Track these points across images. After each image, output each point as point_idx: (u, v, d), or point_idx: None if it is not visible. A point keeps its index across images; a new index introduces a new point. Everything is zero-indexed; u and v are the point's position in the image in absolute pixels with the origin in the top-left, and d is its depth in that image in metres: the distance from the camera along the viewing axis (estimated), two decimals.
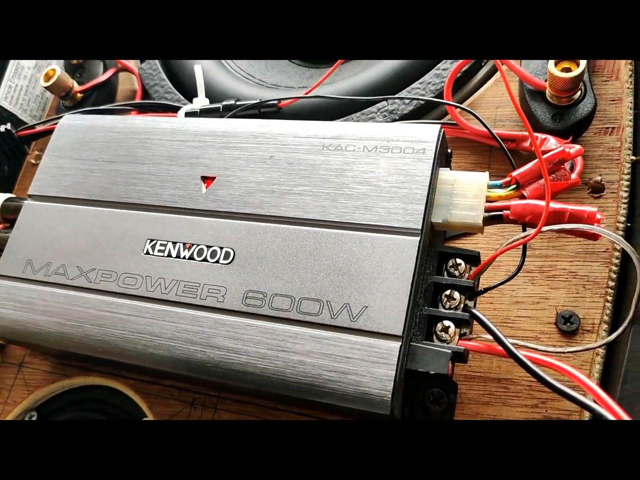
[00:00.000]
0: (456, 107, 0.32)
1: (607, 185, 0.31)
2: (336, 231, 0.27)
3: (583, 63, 0.30)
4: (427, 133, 0.28)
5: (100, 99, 0.43)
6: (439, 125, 0.28)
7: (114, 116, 0.35)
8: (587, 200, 0.31)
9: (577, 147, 0.28)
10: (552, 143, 0.31)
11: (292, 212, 0.28)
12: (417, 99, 0.35)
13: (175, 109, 0.39)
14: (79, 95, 0.43)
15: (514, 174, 0.27)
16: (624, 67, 0.33)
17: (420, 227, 0.26)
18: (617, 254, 0.30)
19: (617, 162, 0.31)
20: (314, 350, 0.25)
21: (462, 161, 0.34)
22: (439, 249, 0.27)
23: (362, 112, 0.37)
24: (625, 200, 0.31)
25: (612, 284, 0.29)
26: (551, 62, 0.30)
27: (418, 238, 0.26)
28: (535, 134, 0.31)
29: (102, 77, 0.43)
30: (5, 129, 0.38)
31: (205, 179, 0.31)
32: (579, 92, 0.31)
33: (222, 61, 0.44)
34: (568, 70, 0.30)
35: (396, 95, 0.36)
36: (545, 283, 0.30)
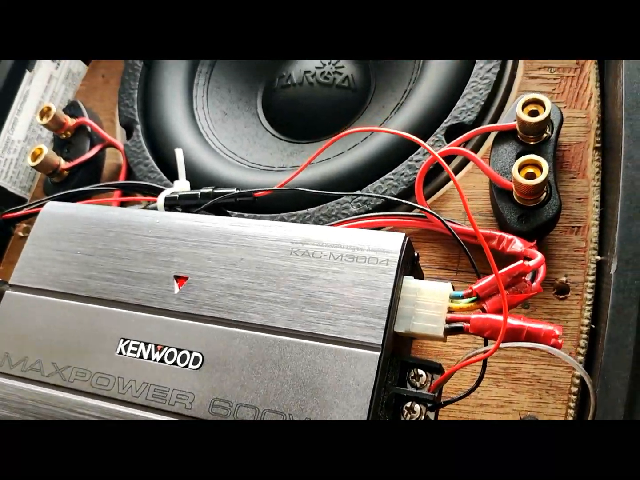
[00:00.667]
0: (417, 208, 0.33)
1: (572, 286, 0.32)
2: (301, 341, 0.28)
3: (546, 168, 0.31)
4: (391, 243, 0.29)
5: (86, 176, 0.44)
6: (404, 234, 0.29)
7: (93, 206, 0.36)
8: (552, 302, 0.32)
9: (538, 257, 0.29)
10: (518, 245, 0.31)
11: (260, 319, 0.29)
12: (385, 198, 0.36)
13: (156, 191, 0.40)
14: (65, 172, 0.44)
15: (474, 287, 0.28)
16: (591, 164, 0.34)
17: (380, 343, 0.27)
18: (580, 357, 0.30)
19: (582, 262, 0.32)
20: None
21: (432, 254, 0.35)
22: (403, 358, 0.28)
23: (336, 201, 0.38)
24: (590, 302, 0.31)
25: (574, 389, 0.29)
26: (515, 166, 0.31)
27: (379, 353, 0.26)
28: (503, 234, 0.32)
29: (88, 155, 0.44)
30: None
31: (178, 278, 0.32)
32: (544, 194, 0.32)
33: (205, 136, 0.45)
34: (532, 176, 0.31)
35: (364, 193, 0.37)
36: (509, 386, 0.31)
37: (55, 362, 0.32)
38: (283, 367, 0.28)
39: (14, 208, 0.40)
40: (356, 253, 0.29)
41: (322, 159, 0.41)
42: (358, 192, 0.37)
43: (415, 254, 0.31)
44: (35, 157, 0.43)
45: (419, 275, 0.31)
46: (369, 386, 0.26)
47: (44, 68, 0.49)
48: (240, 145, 0.45)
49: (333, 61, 0.45)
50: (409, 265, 0.30)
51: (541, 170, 0.31)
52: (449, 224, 0.32)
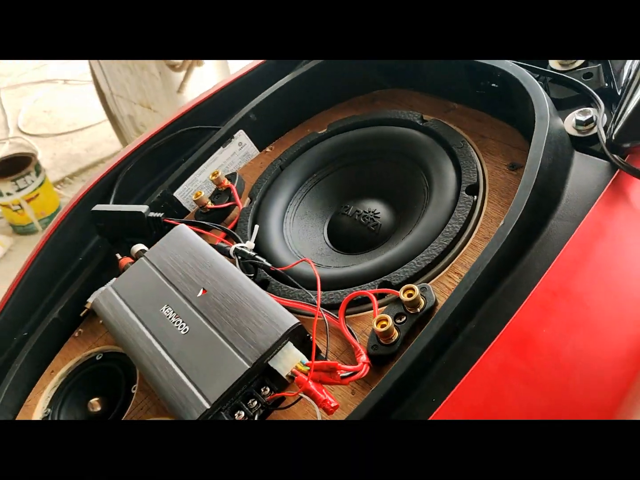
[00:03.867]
0: None
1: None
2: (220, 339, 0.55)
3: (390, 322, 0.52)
4: (289, 321, 0.54)
5: (216, 216, 0.76)
6: (296, 322, 0.54)
7: (199, 239, 0.66)
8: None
9: (356, 369, 0.51)
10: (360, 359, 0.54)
11: (213, 322, 0.57)
12: None
13: (238, 241, 0.70)
14: (207, 209, 0.76)
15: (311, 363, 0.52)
16: None
17: (254, 362, 0.52)
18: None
19: None
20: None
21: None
22: (265, 378, 0.53)
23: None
24: None
25: None
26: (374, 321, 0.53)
27: (249, 366, 0.52)
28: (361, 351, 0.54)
29: (223, 205, 0.76)
30: (158, 216, 0.73)
31: (204, 289, 0.61)
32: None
33: (287, 240, 0.71)
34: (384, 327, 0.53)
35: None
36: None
37: (139, 302, 0.63)
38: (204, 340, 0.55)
39: (172, 218, 0.74)
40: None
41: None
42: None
43: (307, 335, 0.55)
44: (197, 196, 0.76)
45: (304, 346, 0.55)
46: (232, 379, 0.51)
47: (233, 146, 0.82)
48: (306, 248, 0.72)
49: (373, 209, 0.70)
50: (298, 338, 0.54)
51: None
52: None
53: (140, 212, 0.74)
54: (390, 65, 0.79)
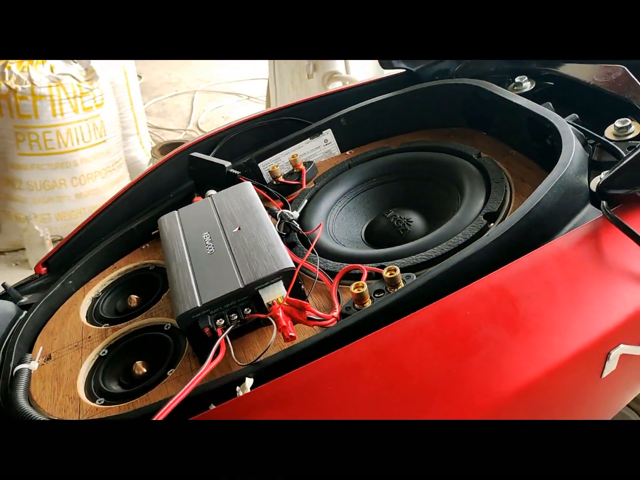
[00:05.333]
0: None
1: None
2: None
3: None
4: (287, 262, 0.64)
5: (283, 189, 0.88)
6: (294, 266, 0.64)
7: (256, 197, 0.79)
8: None
9: (324, 318, 0.59)
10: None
11: (233, 249, 0.68)
12: None
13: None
14: (279, 181, 0.89)
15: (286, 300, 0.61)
16: None
17: (242, 286, 0.62)
18: None
19: None
20: None
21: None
22: (254, 302, 0.63)
23: None
24: None
25: None
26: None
27: (242, 287, 0.62)
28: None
29: (290, 181, 0.88)
30: (236, 173, 0.87)
31: (240, 228, 0.73)
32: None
33: (330, 232, 0.82)
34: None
35: None
36: None
37: (190, 227, 0.77)
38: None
39: (247, 178, 0.87)
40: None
41: None
42: None
43: (299, 283, 0.64)
44: (273, 168, 0.89)
45: (295, 291, 0.64)
46: (225, 291, 0.62)
47: (319, 140, 0.95)
48: (341, 234, 0.82)
49: (409, 217, 0.78)
50: (288, 279, 0.63)
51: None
52: None
53: (223, 166, 0.88)
54: (472, 108, 0.87)
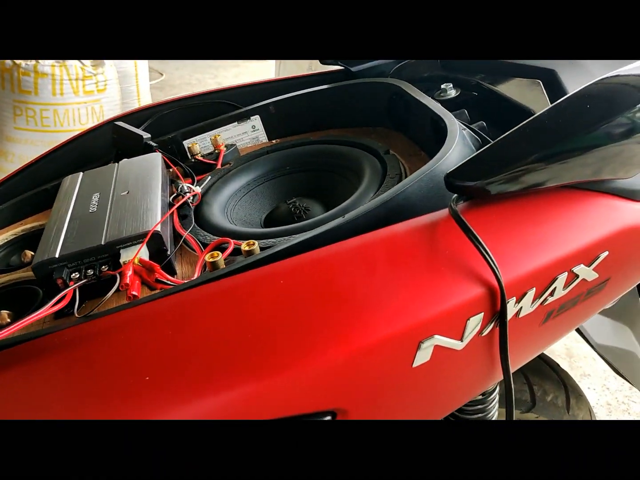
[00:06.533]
0: None
1: None
2: None
3: None
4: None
5: (198, 166, 0.88)
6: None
7: (160, 168, 0.80)
8: None
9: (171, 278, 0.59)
10: None
11: None
12: None
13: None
14: (195, 158, 0.89)
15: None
16: None
17: (106, 242, 0.62)
18: None
19: None
20: None
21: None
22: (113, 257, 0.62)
23: None
24: None
25: None
26: None
27: (102, 243, 0.62)
28: None
29: (206, 160, 0.88)
30: (153, 145, 0.87)
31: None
32: None
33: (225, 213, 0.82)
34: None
35: None
36: None
37: (86, 186, 0.76)
38: None
39: (163, 152, 0.87)
40: None
41: None
42: None
43: (164, 248, 0.64)
44: (192, 145, 0.89)
45: (158, 256, 0.63)
46: (85, 246, 0.61)
47: (246, 126, 0.95)
48: (239, 213, 0.81)
49: (307, 206, 0.78)
50: (154, 245, 0.63)
51: None
52: None
53: (142, 137, 0.88)
54: (394, 108, 0.87)
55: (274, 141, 0.96)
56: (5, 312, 0.68)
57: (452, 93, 0.87)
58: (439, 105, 0.75)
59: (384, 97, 0.87)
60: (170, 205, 0.75)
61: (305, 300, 0.46)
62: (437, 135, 0.75)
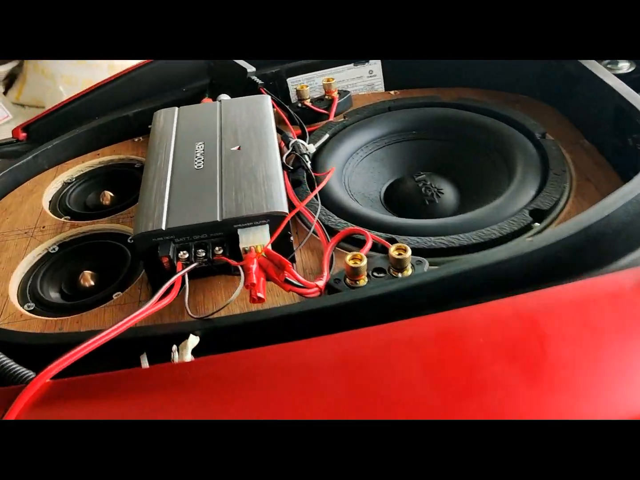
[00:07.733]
0: None
1: None
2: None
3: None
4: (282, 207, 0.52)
5: (307, 115, 0.75)
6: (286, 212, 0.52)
7: (271, 115, 0.67)
8: None
9: (296, 281, 0.48)
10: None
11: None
12: None
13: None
14: (304, 104, 0.76)
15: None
16: None
17: (220, 220, 0.51)
18: None
19: None
20: None
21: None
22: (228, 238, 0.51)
23: None
24: None
25: None
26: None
27: (220, 220, 0.51)
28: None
29: (317, 108, 0.75)
30: (258, 82, 0.74)
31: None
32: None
33: (346, 186, 0.67)
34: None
35: None
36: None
37: (185, 130, 0.64)
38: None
39: (269, 92, 0.74)
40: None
41: None
42: None
43: (288, 233, 0.53)
44: (302, 87, 0.76)
45: (282, 242, 0.52)
46: (198, 220, 0.51)
47: (363, 70, 0.81)
48: (357, 184, 0.68)
49: (441, 187, 0.65)
50: (276, 225, 0.51)
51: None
52: None
53: (246, 70, 0.75)
54: (552, 78, 0.72)
55: (392, 92, 0.82)
56: (88, 274, 0.59)
57: (625, 66, 0.71)
58: (628, 87, 0.61)
59: (540, 62, 0.72)
60: (286, 168, 0.64)
61: (513, 367, 0.35)
62: (618, 127, 0.62)
